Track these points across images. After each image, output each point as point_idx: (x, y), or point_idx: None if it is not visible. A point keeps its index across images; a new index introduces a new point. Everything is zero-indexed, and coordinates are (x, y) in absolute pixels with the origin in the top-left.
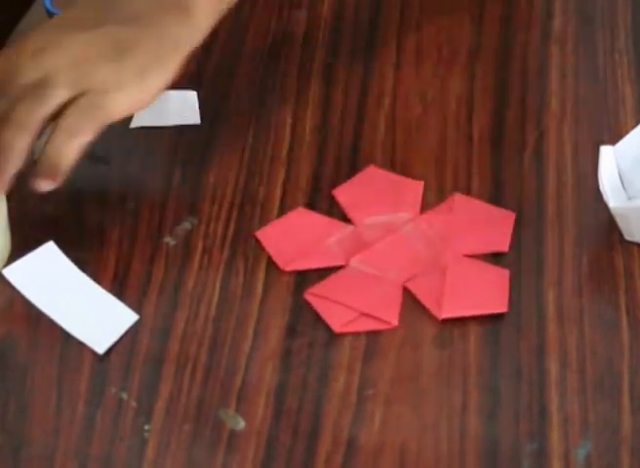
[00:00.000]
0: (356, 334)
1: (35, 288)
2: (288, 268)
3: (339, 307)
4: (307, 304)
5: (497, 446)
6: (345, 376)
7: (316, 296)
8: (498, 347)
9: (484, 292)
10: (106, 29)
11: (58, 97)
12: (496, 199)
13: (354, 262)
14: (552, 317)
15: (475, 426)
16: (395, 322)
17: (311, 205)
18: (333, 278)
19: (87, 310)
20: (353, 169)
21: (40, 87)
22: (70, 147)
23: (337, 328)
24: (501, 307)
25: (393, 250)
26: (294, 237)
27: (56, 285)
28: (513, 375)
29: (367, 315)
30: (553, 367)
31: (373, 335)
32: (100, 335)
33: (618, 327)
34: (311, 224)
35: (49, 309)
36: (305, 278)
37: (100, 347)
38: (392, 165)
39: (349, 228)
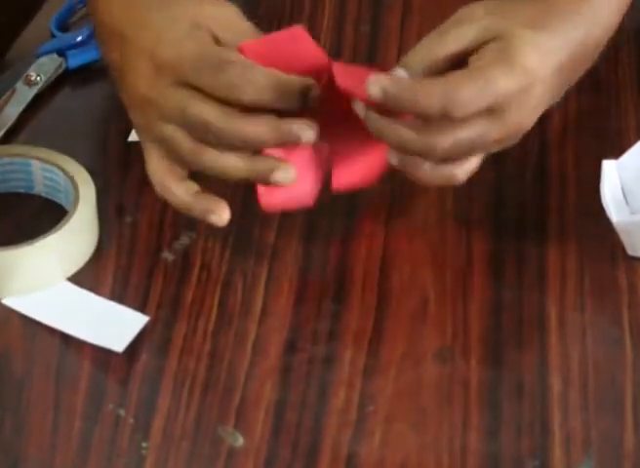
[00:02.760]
0: (356, 350)
1: (39, 309)
2: None
3: None
4: (306, 320)
5: (498, 463)
6: (345, 393)
7: None
8: (499, 363)
9: None
10: None
11: None
12: (497, 212)
13: None
14: (554, 333)
15: (476, 443)
16: None
17: (311, 214)
18: None
19: (96, 319)
20: None
21: None
22: None
23: None
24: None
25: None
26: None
27: (59, 302)
28: (515, 391)
29: None
30: (555, 383)
31: (372, 351)
32: (116, 337)
33: (620, 342)
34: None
35: (58, 324)
36: (304, 294)
37: (119, 346)
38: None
39: None
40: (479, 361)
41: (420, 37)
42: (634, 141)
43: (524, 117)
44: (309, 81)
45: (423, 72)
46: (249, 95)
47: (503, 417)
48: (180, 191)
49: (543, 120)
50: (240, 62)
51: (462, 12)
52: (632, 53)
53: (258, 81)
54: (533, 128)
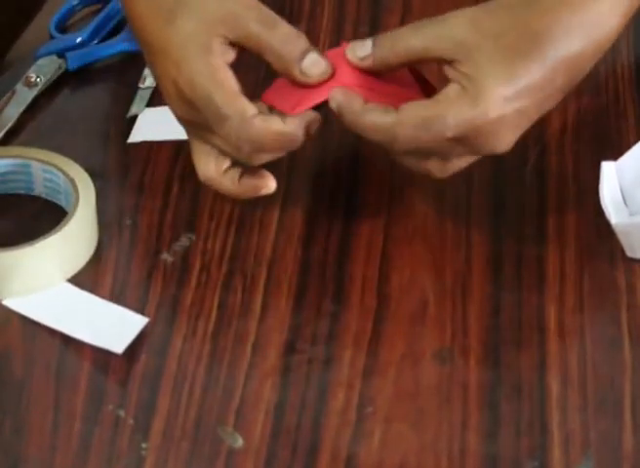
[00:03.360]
0: (355, 351)
1: (39, 310)
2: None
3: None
4: (306, 321)
5: (497, 463)
6: (344, 393)
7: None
8: (498, 364)
9: None
10: None
11: None
12: (496, 213)
13: None
14: (553, 333)
15: (475, 444)
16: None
17: (311, 215)
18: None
19: (96, 320)
20: (354, 174)
21: None
22: None
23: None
24: None
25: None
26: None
27: (59, 303)
28: (514, 392)
29: None
30: (554, 384)
31: (372, 351)
32: (116, 338)
33: (619, 344)
34: None
35: (58, 325)
36: (304, 295)
37: (119, 347)
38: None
39: None
40: (478, 362)
41: None
42: (633, 143)
43: (493, 143)
44: (310, 118)
45: (386, 58)
46: (246, 149)
47: (502, 418)
48: (226, 183)
49: (543, 121)
50: (236, 117)
51: (451, 14)
52: (632, 53)
53: (252, 137)
54: (532, 129)
